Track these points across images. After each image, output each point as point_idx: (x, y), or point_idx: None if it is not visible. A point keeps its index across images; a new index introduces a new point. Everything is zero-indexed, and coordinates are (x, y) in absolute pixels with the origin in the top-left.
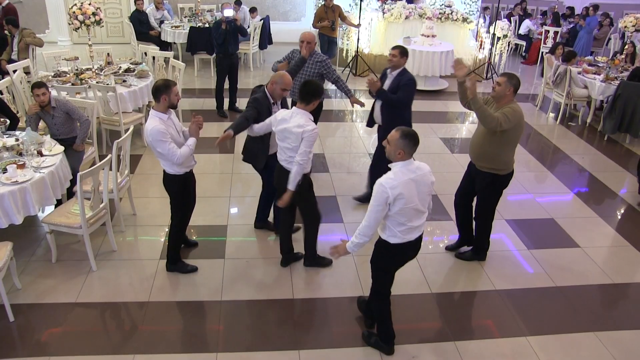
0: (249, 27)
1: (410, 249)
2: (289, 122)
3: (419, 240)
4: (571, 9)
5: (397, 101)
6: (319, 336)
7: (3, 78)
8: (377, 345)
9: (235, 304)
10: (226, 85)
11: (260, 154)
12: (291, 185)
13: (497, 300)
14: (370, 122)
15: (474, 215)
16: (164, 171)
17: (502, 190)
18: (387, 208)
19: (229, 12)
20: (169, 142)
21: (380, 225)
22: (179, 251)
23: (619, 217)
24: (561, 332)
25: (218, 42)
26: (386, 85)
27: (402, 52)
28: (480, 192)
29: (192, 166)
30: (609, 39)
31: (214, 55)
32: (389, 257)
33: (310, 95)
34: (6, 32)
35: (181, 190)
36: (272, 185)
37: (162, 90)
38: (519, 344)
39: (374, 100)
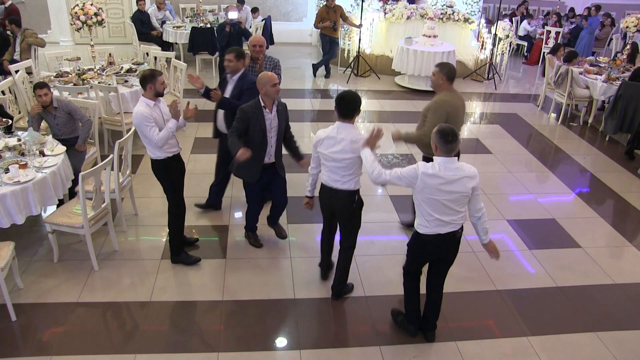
0: (250, 27)
1: (440, 243)
2: (337, 139)
3: (449, 236)
4: (572, 10)
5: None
6: (320, 336)
7: (5, 78)
8: (402, 326)
9: (236, 304)
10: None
11: (256, 165)
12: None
13: (498, 300)
14: (216, 133)
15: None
16: (150, 158)
17: None
18: (412, 184)
19: (233, 15)
20: (151, 126)
21: (417, 213)
22: (180, 241)
23: (620, 217)
24: (562, 332)
25: (222, 45)
26: (228, 91)
27: (237, 55)
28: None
29: (175, 152)
30: (611, 39)
31: (216, 55)
32: (419, 245)
33: (352, 112)
34: (9, 32)
35: (165, 174)
36: (260, 199)
37: (149, 80)
38: (520, 344)
39: (215, 109)
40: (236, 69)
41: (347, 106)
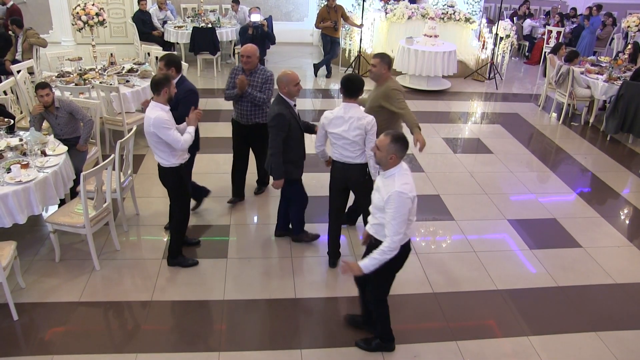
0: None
1: (409, 245)
2: (345, 118)
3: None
4: (574, 9)
5: (181, 117)
6: (321, 336)
7: (7, 78)
8: (380, 348)
9: (237, 304)
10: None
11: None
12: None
13: (498, 300)
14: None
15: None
16: (159, 165)
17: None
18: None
19: (256, 17)
20: (173, 129)
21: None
22: (180, 245)
23: (622, 217)
24: (563, 332)
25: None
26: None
27: (167, 63)
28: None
29: (187, 158)
30: (612, 38)
31: (217, 55)
32: (397, 260)
33: (357, 92)
34: (10, 32)
35: (178, 182)
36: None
37: (164, 84)
38: (521, 344)
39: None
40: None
41: (353, 86)
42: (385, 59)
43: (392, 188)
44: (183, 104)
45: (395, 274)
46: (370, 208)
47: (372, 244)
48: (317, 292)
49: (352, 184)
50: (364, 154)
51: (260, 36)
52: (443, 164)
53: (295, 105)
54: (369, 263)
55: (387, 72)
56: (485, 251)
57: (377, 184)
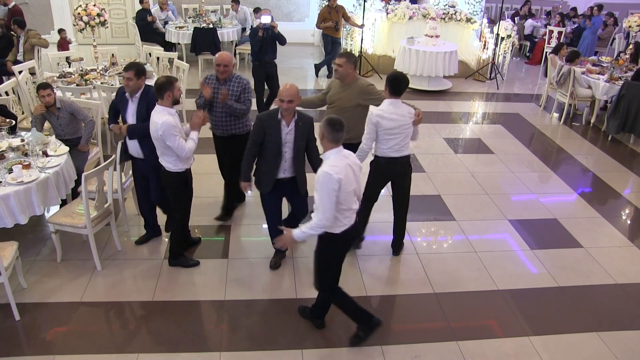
0: (251, 27)
1: (352, 234)
2: (398, 113)
3: (356, 223)
4: (575, 9)
5: None
6: (322, 336)
7: (9, 79)
8: (312, 314)
9: (238, 304)
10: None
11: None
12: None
13: (499, 300)
14: (126, 157)
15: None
16: (164, 169)
17: None
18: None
19: (266, 19)
20: (178, 136)
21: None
22: (181, 246)
23: (623, 217)
24: (564, 332)
25: (254, 50)
26: (130, 113)
27: (137, 72)
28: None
29: (192, 163)
30: (614, 38)
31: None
32: (337, 248)
33: (404, 90)
34: (12, 32)
35: (182, 187)
36: (274, 212)
37: (167, 87)
38: (522, 344)
39: (124, 138)
40: (137, 87)
41: (400, 85)
42: (351, 59)
43: (322, 169)
44: None
45: (338, 265)
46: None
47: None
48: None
49: (399, 177)
50: (409, 145)
51: (270, 38)
52: (444, 164)
53: (291, 125)
54: (299, 233)
55: (354, 71)
56: (486, 251)
57: None
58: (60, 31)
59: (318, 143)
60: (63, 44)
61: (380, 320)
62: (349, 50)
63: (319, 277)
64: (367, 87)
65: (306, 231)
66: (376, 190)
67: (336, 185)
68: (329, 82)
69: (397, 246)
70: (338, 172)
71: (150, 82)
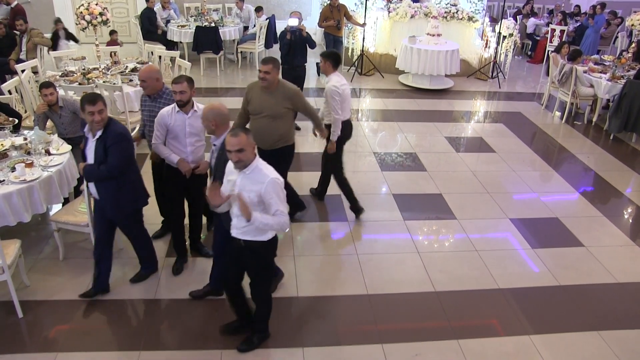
0: (254, 26)
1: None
2: (346, 84)
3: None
4: (578, 7)
5: (112, 170)
6: (322, 334)
7: (12, 78)
8: (262, 340)
9: None
10: None
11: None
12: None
13: (500, 299)
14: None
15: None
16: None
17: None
18: None
19: (293, 22)
20: (157, 130)
21: (260, 229)
22: (183, 244)
23: (624, 216)
24: (565, 331)
25: (282, 53)
26: (90, 152)
27: (93, 100)
28: (282, 165)
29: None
30: (616, 37)
31: (220, 54)
32: (273, 253)
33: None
34: (16, 31)
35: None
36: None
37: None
38: (523, 343)
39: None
40: (103, 122)
41: (339, 59)
42: (276, 64)
43: (265, 178)
44: (112, 151)
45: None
46: (239, 213)
47: (242, 247)
48: (319, 291)
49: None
50: None
51: (299, 41)
52: (446, 162)
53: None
54: (260, 218)
55: (278, 75)
56: (487, 250)
57: (240, 185)
58: (112, 33)
59: None
60: (113, 45)
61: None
62: (351, 48)
63: (265, 285)
64: (294, 92)
65: (271, 222)
66: (341, 152)
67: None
68: (246, 93)
69: (320, 194)
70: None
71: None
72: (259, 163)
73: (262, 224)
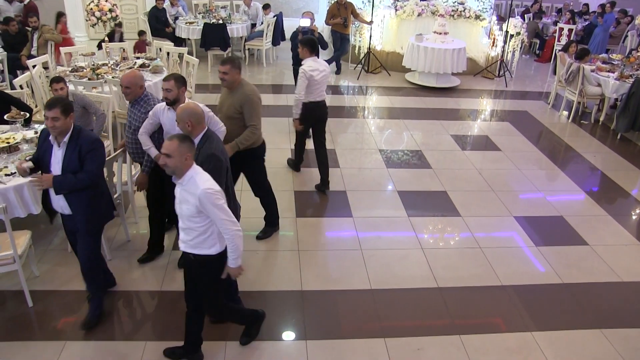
0: (262, 23)
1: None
2: (320, 69)
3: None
4: (587, 6)
5: (93, 177)
6: (326, 327)
7: (23, 73)
8: (191, 352)
9: (244, 295)
10: None
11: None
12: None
13: (503, 296)
14: (52, 213)
15: (256, 195)
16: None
17: (264, 158)
18: None
19: (305, 22)
20: (147, 119)
21: (206, 243)
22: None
23: (630, 216)
24: (567, 329)
25: (294, 54)
26: (55, 162)
27: (64, 110)
28: (250, 170)
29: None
30: (626, 36)
31: (228, 51)
32: (222, 267)
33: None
34: (27, 27)
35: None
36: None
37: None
38: (525, 339)
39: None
40: (66, 127)
41: (315, 45)
42: (235, 64)
43: (196, 190)
44: (92, 158)
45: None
46: (184, 224)
47: (191, 260)
48: (323, 285)
49: (323, 118)
50: None
51: None
52: (451, 160)
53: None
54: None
55: (239, 75)
56: (491, 247)
57: (179, 196)
58: (141, 33)
59: None
60: (140, 46)
61: (264, 312)
62: (357, 46)
63: (215, 301)
64: (246, 95)
65: (237, 248)
66: (307, 131)
67: (222, 199)
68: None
69: (323, 185)
70: (215, 184)
71: (160, 77)
72: (195, 174)
73: (231, 250)
